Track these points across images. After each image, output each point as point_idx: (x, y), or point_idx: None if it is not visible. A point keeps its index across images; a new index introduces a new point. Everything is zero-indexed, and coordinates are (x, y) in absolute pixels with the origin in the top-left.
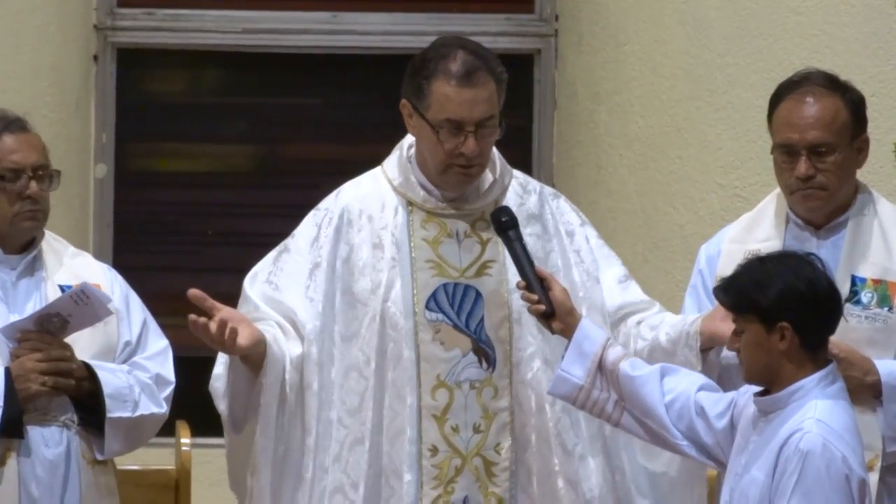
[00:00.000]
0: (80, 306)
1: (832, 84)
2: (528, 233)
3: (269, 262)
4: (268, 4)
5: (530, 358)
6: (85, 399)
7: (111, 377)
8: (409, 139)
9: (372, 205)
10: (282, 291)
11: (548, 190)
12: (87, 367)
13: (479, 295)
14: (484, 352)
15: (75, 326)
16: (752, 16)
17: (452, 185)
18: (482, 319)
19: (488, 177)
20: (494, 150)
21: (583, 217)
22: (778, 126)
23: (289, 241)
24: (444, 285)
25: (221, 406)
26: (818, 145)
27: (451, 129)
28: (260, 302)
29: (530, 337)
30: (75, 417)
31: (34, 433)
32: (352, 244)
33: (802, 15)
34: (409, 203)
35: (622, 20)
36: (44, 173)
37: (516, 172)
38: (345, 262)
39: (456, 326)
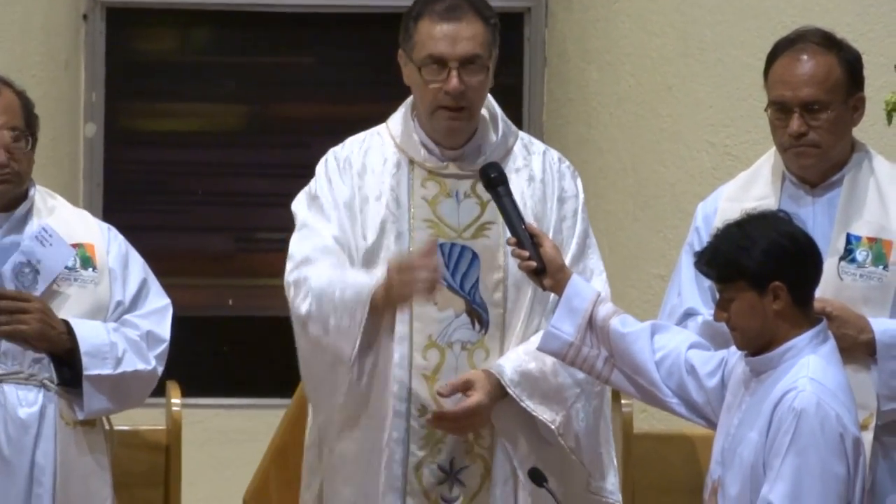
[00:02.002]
0: (46, 247)
1: (828, 42)
2: (529, 195)
3: (305, 212)
4: None
5: (524, 321)
6: (64, 357)
7: (90, 334)
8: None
9: (374, 160)
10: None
11: (554, 153)
12: (67, 324)
13: (475, 256)
14: (477, 313)
15: (46, 275)
16: None
17: (442, 131)
18: (477, 281)
19: (491, 137)
20: (499, 110)
21: (580, 191)
22: (772, 83)
23: (303, 217)
24: (441, 245)
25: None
26: (811, 102)
27: (434, 66)
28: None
29: (525, 300)
30: (55, 377)
31: (9, 392)
32: (355, 192)
33: None
34: (411, 161)
35: None
36: (18, 134)
37: (522, 134)
38: (348, 206)
39: (450, 287)
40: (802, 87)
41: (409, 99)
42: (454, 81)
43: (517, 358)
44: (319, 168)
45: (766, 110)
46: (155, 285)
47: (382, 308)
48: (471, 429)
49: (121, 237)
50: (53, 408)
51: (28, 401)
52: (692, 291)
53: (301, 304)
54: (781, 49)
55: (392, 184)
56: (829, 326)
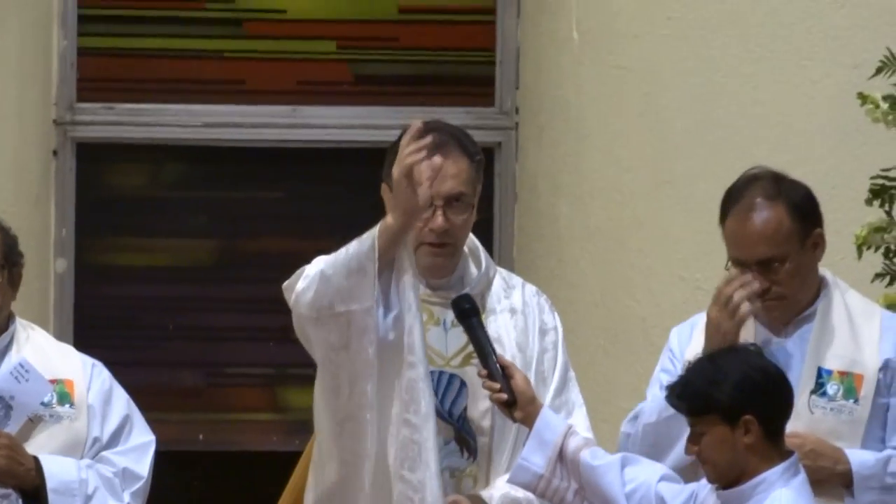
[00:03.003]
0: (22, 383)
1: (774, 190)
2: (511, 326)
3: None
4: (228, 98)
5: (510, 449)
6: (32, 493)
7: (59, 471)
8: None
9: None
10: None
11: (531, 287)
12: (36, 460)
13: (463, 384)
14: (466, 441)
15: (19, 411)
16: (713, 107)
17: (425, 266)
18: (465, 409)
19: (472, 270)
20: (479, 245)
21: (559, 324)
22: (727, 242)
23: (304, 269)
24: (430, 373)
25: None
26: (766, 260)
27: None
28: None
29: (511, 428)
30: None
31: None
32: None
33: (764, 106)
34: None
35: (582, 113)
36: None
37: (500, 268)
38: None
39: (439, 414)
40: (754, 247)
41: None
42: (439, 220)
43: (504, 486)
44: None
45: (726, 268)
46: (140, 422)
47: (393, 229)
48: None
49: (106, 373)
50: None
51: None
52: None
53: (309, 291)
54: (731, 204)
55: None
56: (805, 459)
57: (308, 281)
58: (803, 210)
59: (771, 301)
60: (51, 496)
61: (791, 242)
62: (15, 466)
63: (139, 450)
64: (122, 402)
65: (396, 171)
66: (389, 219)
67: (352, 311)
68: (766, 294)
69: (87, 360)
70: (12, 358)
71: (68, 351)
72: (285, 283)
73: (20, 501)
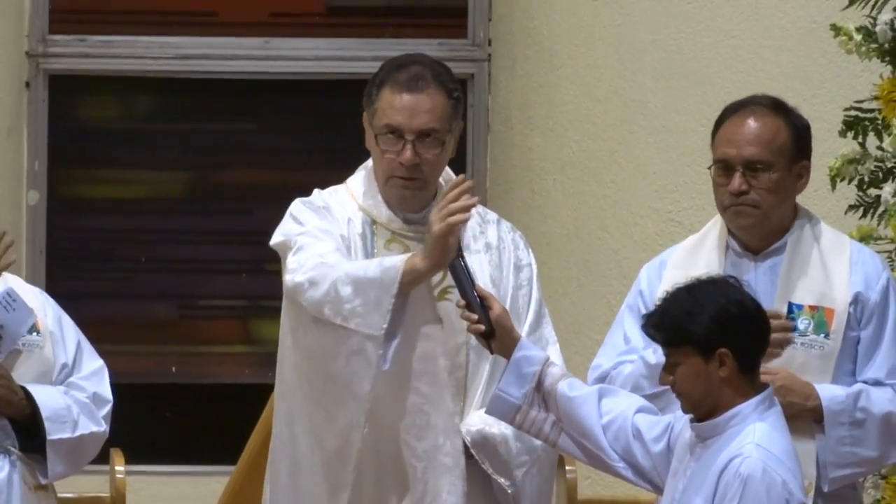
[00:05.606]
0: (10, 312)
1: (777, 106)
2: (486, 261)
3: (296, 234)
4: (200, 30)
5: (485, 383)
6: (25, 423)
7: (49, 399)
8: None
9: (341, 215)
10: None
11: (506, 224)
12: (24, 390)
13: (438, 319)
14: None
15: (7, 340)
16: (687, 39)
17: (395, 197)
18: None
19: None
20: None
21: (533, 261)
22: (718, 143)
23: (299, 239)
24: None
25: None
26: (754, 161)
27: (390, 136)
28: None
29: (485, 363)
30: (16, 443)
31: None
32: (338, 230)
33: (737, 38)
34: (374, 222)
35: (555, 44)
36: None
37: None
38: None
39: None
40: (746, 146)
41: (368, 161)
42: (408, 154)
43: (481, 421)
44: (296, 208)
45: (709, 168)
46: (88, 346)
47: (419, 274)
48: None
49: (52, 300)
50: (17, 473)
51: None
52: (637, 335)
53: (316, 292)
54: (731, 111)
55: (358, 243)
56: (776, 395)
57: (316, 278)
58: (801, 135)
59: (744, 206)
60: (46, 424)
61: (781, 155)
62: (10, 396)
63: (98, 374)
64: (71, 327)
65: (438, 225)
66: (419, 263)
67: (357, 330)
68: (743, 196)
69: (35, 288)
70: None
71: (17, 280)
72: (277, 242)
73: (14, 439)
